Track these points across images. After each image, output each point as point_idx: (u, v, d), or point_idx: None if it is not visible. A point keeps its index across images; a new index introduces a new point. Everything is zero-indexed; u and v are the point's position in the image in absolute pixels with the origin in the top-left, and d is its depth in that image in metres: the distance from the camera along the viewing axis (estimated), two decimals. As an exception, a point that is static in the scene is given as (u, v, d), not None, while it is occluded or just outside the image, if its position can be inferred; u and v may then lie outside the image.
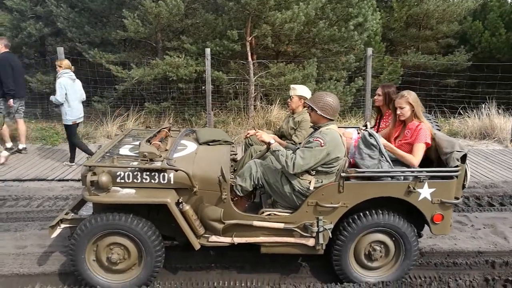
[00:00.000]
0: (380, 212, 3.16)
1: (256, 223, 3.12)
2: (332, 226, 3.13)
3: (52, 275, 3.41)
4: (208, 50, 7.63)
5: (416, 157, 3.26)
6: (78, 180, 5.78)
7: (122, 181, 3.06)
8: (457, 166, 3.11)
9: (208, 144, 3.76)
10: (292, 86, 4.48)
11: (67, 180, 5.85)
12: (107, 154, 3.36)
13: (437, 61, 14.52)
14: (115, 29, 9.01)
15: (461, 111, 9.08)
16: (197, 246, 3.08)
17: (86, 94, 6.41)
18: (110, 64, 8.70)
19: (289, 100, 4.48)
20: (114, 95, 9.30)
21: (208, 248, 3.25)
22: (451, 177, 3.13)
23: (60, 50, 7.74)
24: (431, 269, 3.55)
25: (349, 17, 9.07)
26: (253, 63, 8.65)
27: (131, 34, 8.61)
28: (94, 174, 2.98)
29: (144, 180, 3.07)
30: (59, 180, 5.83)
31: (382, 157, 3.17)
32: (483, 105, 8.54)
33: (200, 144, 3.76)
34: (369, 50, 7.84)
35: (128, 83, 8.76)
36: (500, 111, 8.40)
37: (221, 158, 3.39)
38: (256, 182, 3.27)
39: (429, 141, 3.35)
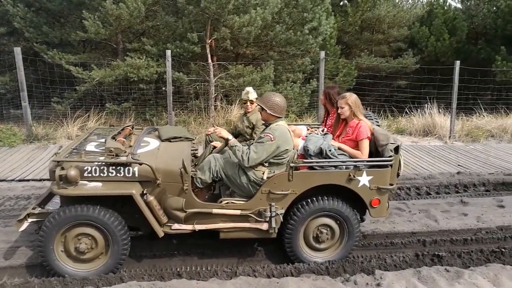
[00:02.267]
0: (326, 198, 3.55)
1: (215, 210, 3.44)
2: (283, 211, 3.50)
3: (19, 268, 3.55)
4: (168, 52, 7.85)
5: (363, 153, 3.70)
6: (39, 180, 5.85)
7: (90, 175, 3.27)
8: (390, 156, 3.56)
9: (170, 141, 4.03)
10: (247, 89, 4.80)
11: (28, 180, 5.89)
12: (74, 150, 3.56)
13: (389, 64, 15.40)
14: (75, 29, 9.00)
15: (407, 111, 9.80)
16: (160, 234, 3.35)
17: (45, 95, 6.44)
18: (70, 65, 8.70)
19: (247, 103, 4.80)
20: (74, 96, 9.28)
21: (171, 236, 3.53)
22: (386, 166, 3.58)
23: (17, 50, 7.68)
24: (372, 249, 4.00)
25: (304, 21, 9.56)
26: (213, 64, 8.94)
27: (91, 35, 8.66)
28: (63, 168, 3.18)
29: (110, 174, 3.29)
30: (20, 181, 5.86)
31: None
32: (426, 105, 9.28)
33: (162, 140, 4.02)
34: (322, 54, 8.33)
35: (88, 84, 8.80)
36: (440, 111, 9.18)
37: (182, 153, 3.67)
38: (215, 175, 3.59)
39: (369, 136, 3.81)
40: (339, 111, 3.97)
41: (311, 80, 10.15)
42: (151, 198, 3.28)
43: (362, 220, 3.97)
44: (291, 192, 3.49)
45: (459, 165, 6.81)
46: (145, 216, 3.26)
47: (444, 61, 14.64)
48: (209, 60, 8.82)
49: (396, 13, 15.98)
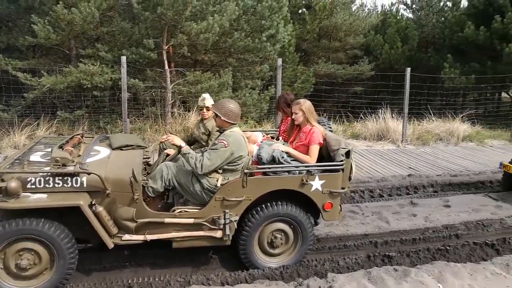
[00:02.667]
0: (280, 203, 3.58)
1: (168, 220, 3.37)
2: (237, 218, 3.49)
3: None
4: (124, 58, 7.68)
5: (312, 158, 3.77)
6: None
7: (33, 186, 3.12)
8: (342, 161, 3.65)
9: (121, 149, 3.93)
10: (204, 96, 4.77)
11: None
12: (17, 161, 3.39)
13: (345, 71, 15.86)
14: (23, 34, 8.63)
15: (362, 116, 10.11)
16: (110, 245, 3.25)
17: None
18: (18, 71, 8.32)
19: (204, 109, 4.76)
20: (22, 104, 8.87)
21: (122, 247, 3.42)
22: (337, 170, 3.67)
23: (-40, 55, 7.27)
24: (326, 252, 4.07)
25: (262, 29, 9.66)
26: (170, 71, 8.84)
27: (41, 40, 8.33)
28: (3, 180, 3.02)
29: (56, 185, 3.16)
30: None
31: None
32: (380, 111, 9.61)
33: (113, 149, 3.91)
34: (279, 61, 8.45)
35: (38, 91, 8.44)
36: (393, 116, 9.53)
37: (133, 162, 3.58)
38: (168, 183, 3.53)
39: (322, 141, 3.89)
40: (293, 117, 4.05)
41: (269, 87, 10.25)
42: (100, 208, 3.17)
43: (316, 224, 4.03)
44: (245, 199, 3.49)
45: (410, 167, 7.09)
46: (94, 228, 3.15)
47: (397, 68, 15.24)
48: (166, 67, 8.71)
49: (352, 22, 16.50)
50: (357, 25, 16.84)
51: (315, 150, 3.80)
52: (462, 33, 13.62)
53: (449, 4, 17.43)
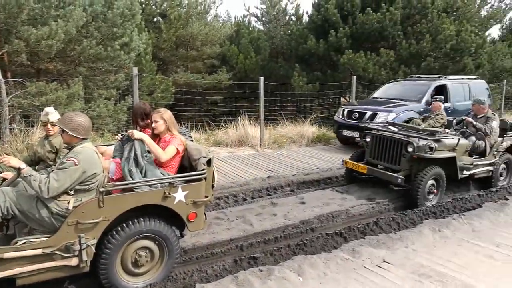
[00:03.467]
0: (142, 219, 3.41)
1: (8, 255, 2.91)
2: (95, 241, 3.21)
3: None
4: None
5: (165, 154, 3.71)
6: None
7: None
8: (204, 170, 3.67)
9: None
10: (47, 110, 4.26)
11: None
12: None
13: (204, 80, 16.15)
14: None
15: (223, 124, 10.41)
16: None
17: None
18: None
19: (48, 125, 4.26)
20: None
21: None
22: (200, 179, 3.67)
23: None
24: (193, 262, 4.04)
25: (115, 36, 9.18)
26: (6, 81, 7.71)
27: None
28: None
29: None
30: None
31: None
32: (239, 118, 10.04)
33: None
34: (135, 70, 8.13)
35: None
36: (251, 122, 10.06)
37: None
38: (6, 212, 3.05)
39: (181, 150, 3.86)
40: (153, 125, 3.93)
41: (126, 97, 9.79)
42: None
43: (182, 235, 3.96)
44: (103, 219, 3.22)
45: (269, 169, 7.55)
46: None
47: (253, 77, 16.14)
48: (0, 77, 7.57)
49: (208, 32, 16.92)
50: (212, 35, 17.34)
51: (171, 150, 3.78)
52: (306, 45, 15.16)
53: (294, 18, 19.25)
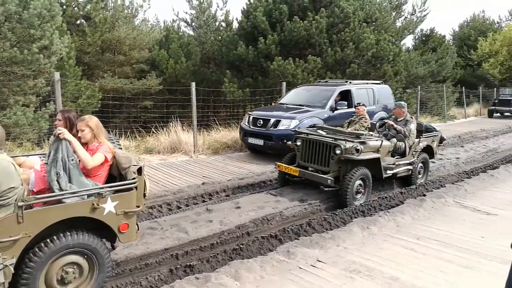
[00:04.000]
0: (69, 233, 3.19)
1: None
2: (14, 260, 2.94)
3: None
4: None
5: (93, 161, 3.54)
6: None
7: None
8: (134, 179, 3.53)
9: None
10: None
11: None
12: None
13: (133, 85, 15.61)
14: None
15: (154, 130, 10.13)
16: None
17: None
18: None
19: None
20: None
21: None
22: (130, 189, 3.52)
23: None
24: (127, 275, 3.86)
25: (32, 39, 8.55)
26: None
27: None
28: None
29: None
30: None
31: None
32: (171, 124, 9.84)
33: None
34: (57, 75, 7.63)
35: None
36: (184, 128, 9.91)
37: None
38: None
39: (109, 158, 3.69)
40: (79, 135, 3.71)
41: (47, 103, 9.13)
42: None
43: (113, 248, 3.79)
44: (23, 236, 2.97)
45: (203, 176, 7.48)
46: None
47: (184, 82, 15.94)
48: None
49: (136, 36, 16.39)
50: (141, 39, 16.83)
51: (99, 157, 3.61)
52: (236, 51, 15.28)
53: (224, 24, 19.35)
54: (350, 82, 10.32)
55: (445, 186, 6.79)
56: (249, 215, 5.45)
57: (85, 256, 3.33)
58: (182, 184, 6.82)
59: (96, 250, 3.34)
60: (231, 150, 10.16)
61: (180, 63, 17.05)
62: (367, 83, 10.95)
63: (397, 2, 19.67)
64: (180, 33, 19.56)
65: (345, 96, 9.80)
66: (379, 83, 11.30)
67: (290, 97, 10.49)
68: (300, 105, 9.64)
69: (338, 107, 9.35)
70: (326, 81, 11.32)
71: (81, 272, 3.34)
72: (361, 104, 8.14)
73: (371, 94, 10.51)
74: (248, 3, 16.11)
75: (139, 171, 3.61)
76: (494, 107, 22.01)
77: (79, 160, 3.49)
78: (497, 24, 31.61)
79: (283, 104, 10.22)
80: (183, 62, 17.15)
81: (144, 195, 3.78)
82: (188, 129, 9.93)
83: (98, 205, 3.29)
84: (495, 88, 25.15)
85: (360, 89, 10.25)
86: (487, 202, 5.95)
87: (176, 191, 6.36)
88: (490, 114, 22.00)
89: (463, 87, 23.09)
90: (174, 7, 49.59)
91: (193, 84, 9.56)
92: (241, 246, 4.44)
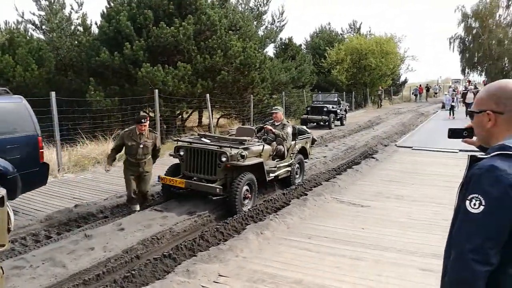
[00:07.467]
0: None
1: None
2: None
3: None
4: None
5: None
6: None
7: None
8: (-4, 212, 2.85)
9: None
10: None
11: None
12: None
13: (-29, 97, 13.14)
14: None
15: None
16: None
17: None
18: None
19: None
20: None
21: None
22: (-9, 226, 2.83)
23: None
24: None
25: None
26: None
27: None
28: None
29: None
30: None
31: None
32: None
33: None
34: None
35: None
36: (44, 144, 8.65)
37: None
38: None
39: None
40: None
41: None
42: None
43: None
44: None
45: (74, 197, 6.62)
46: None
47: (37, 92, 14.05)
48: None
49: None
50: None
51: None
52: (99, 57, 14.12)
53: (81, 28, 17.69)
54: None
55: (321, 184, 7.28)
56: (135, 236, 4.97)
57: None
58: (50, 210, 5.91)
59: None
60: (103, 166, 9.24)
61: (30, 70, 14.99)
62: None
63: (257, 12, 20.74)
64: (28, 37, 17.24)
65: None
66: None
67: None
68: None
69: None
70: None
71: None
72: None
73: None
74: (109, 6, 15.09)
75: (1, 201, 2.93)
76: (306, 115, 18.17)
77: None
78: (340, 36, 35.86)
79: None
80: (35, 69, 15.11)
81: (9, 230, 3.09)
82: (49, 145, 8.72)
83: None
84: (344, 92, 28.34)
85: None
86: (358, 195, 6.57)
87: (43, 219, 5.47)
88: (304, 124, 16.22)
89: (319, 92, 25.53)
90: (18, 7, 43.69)
91: (53, 94, 8.44)
92: (132, 272, 3.99)
